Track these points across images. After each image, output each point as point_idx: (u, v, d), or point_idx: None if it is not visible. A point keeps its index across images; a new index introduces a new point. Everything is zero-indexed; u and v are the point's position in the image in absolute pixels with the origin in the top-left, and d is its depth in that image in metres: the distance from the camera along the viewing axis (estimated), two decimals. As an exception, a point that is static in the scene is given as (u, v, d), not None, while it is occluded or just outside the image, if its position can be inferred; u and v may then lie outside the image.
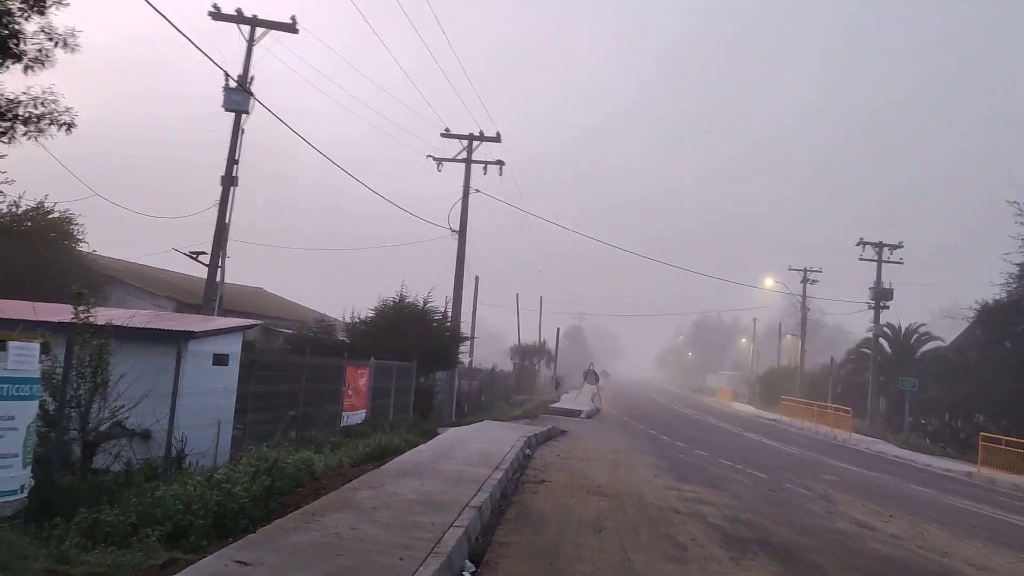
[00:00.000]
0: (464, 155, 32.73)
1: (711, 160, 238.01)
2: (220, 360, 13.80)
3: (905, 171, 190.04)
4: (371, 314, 27.88)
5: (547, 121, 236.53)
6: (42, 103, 10.83)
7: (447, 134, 32.69)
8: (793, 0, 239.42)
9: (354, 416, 21.04)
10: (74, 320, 9.93)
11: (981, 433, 26.73)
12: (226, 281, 21.28)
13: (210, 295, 19.93)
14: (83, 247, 25.76)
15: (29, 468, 7.04)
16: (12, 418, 6.57)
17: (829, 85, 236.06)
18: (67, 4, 10.66)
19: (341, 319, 30.87)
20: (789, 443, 29.94)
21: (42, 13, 10.62)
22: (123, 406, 10.57)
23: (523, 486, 12.44)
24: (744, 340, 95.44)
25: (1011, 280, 34.92)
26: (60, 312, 10.40)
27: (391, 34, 27.90)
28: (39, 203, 24.75)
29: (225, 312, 20.38)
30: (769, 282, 60.76)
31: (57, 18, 10.53)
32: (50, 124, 11.02)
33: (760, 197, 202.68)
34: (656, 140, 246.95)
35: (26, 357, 6.65)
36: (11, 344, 6.54)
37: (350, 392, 20.79)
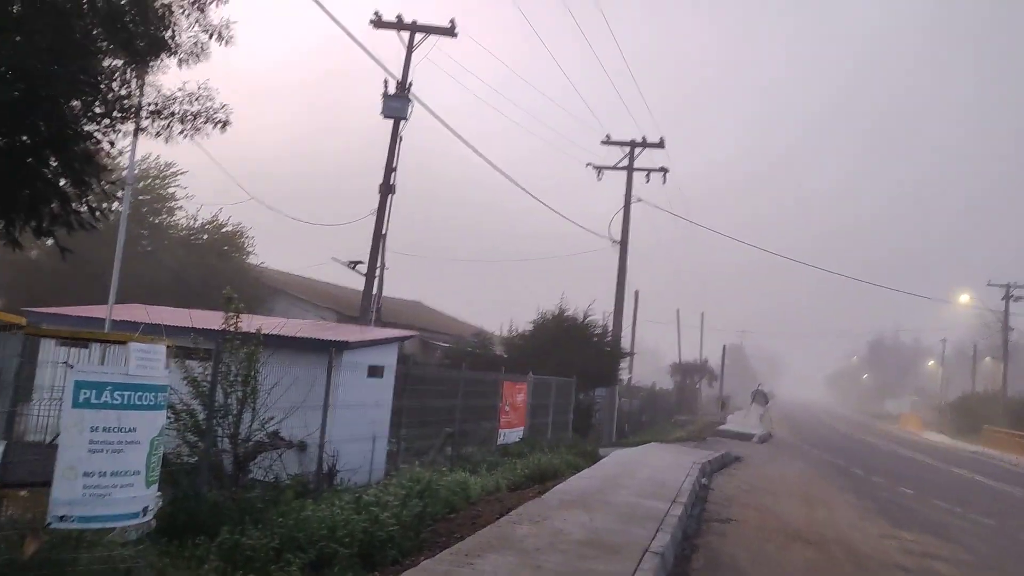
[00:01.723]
0: (626, 163, 31.27)
1: (898, 176, 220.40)
2: (375, 372, 13.08)
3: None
4: (529, 328, 26.90)
5: (722, 139, 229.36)
6: (197, 99, 10.23)
7: (608, 141, 31.34)
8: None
9: (511, 434, 19.97)
10: (224, 327, 9.40)
11: None
12: (384, 294, 20.90)
13: (367, 305, 19.53)
14: (252, 259, 26.51)
15: (155, 487, 6.29)
16: (133, 430, 5.80)
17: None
18: (227, 1, 10.06)
19: (499, 333, 30.13)
20: (1008, 482, 26.00)
21: (202, 10, 10.08)
22: (273, 417, 9.93)
23: (706, 525, 10.74)
24: (931, 363, 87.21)
25: None
26: (218, 320, 9.93)
27: (554, 38, 27.01)
28: (214, 216, 25.70)
29: (383, 324, 19.95)
30: (965, 298, 54.85)
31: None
32: (206, 122, 10.43)
33: (948, 211, 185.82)
34: (840, 159, 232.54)
35: (150, 360, 5.88)
36: (132, 345, 5.78)
37: (507, 408, 19.75)
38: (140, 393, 5.76)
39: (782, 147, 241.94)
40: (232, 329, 9.36)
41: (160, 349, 6.13)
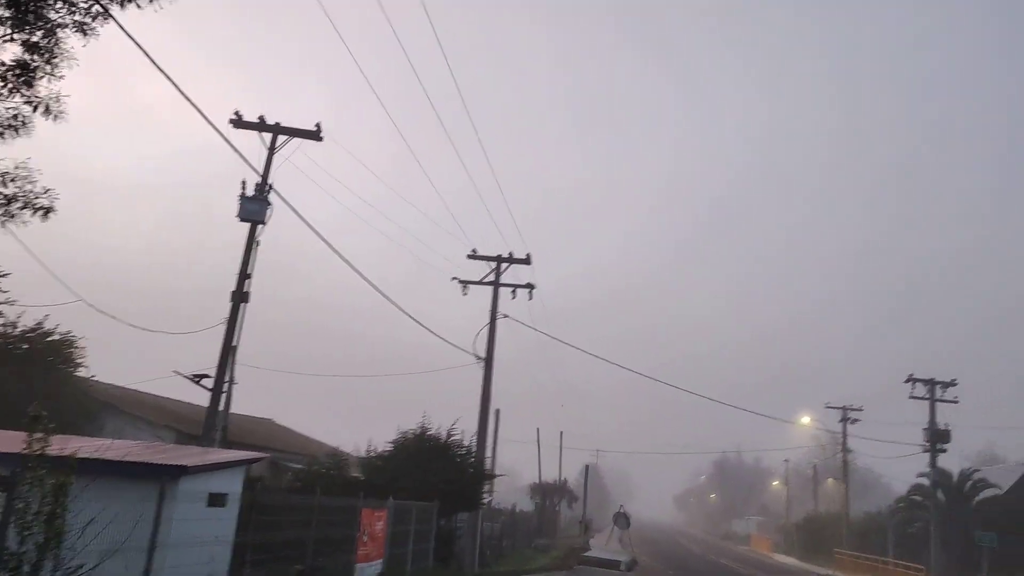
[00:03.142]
0: (492, 278, 30.96)
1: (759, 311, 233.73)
2: (217, 500, 11.32)
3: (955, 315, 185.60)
4: (389, 448, 25.24)
5: (593, 257, 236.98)
6: (13, 180, 8.71)
7: (474, 255, 31.00)
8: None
9: (369, 569, 18.13)
10: (25, 451, 7.63)
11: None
12: (232, 411, 18.92)
13: (211, 424, 17.51)
14: (83, 371, 23.66)
15: None
16: None
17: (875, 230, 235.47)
18: (61, 77, 8.83)
19: (356, 453, 28.19)
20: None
21: (30, 84, 8.78)
22: (83, 565, 8.07)
23: None
24: (776, 483, 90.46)
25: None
26: (20, 442, 8.09)
27: (424, 151, 26.76)
28: (38, 323, 22.84)
29: (229, 444, 17.90)
30: (806, 419, 57.51)
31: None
32: (23, 207, 8.85)
33: (801, 344, 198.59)
34: (706, 289, 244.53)
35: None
36: None
37: (365, 539, 17.97)
38: None
39: (655, 267, 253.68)
40: (36, 454, 7.60)
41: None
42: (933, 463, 40.10)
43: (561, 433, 65.71)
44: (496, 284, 30.78)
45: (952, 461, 44.63)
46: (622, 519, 45.86)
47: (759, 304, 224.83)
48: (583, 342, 41.38)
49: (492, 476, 30.81)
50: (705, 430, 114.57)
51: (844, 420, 51.57)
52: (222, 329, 17.83)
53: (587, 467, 57.65)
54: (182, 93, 13.40)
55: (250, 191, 18.39)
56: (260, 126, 19.33)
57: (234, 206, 18.35)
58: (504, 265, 30.86)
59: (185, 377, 17.89)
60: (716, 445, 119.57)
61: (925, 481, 41.96)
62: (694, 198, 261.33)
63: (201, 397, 18.06)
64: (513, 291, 30.98)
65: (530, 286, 31.02)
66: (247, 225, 18.49)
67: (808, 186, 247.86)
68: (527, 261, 30.86)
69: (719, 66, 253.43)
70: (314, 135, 19.47)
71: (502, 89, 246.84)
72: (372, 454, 25.45)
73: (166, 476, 9.98)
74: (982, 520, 37.35)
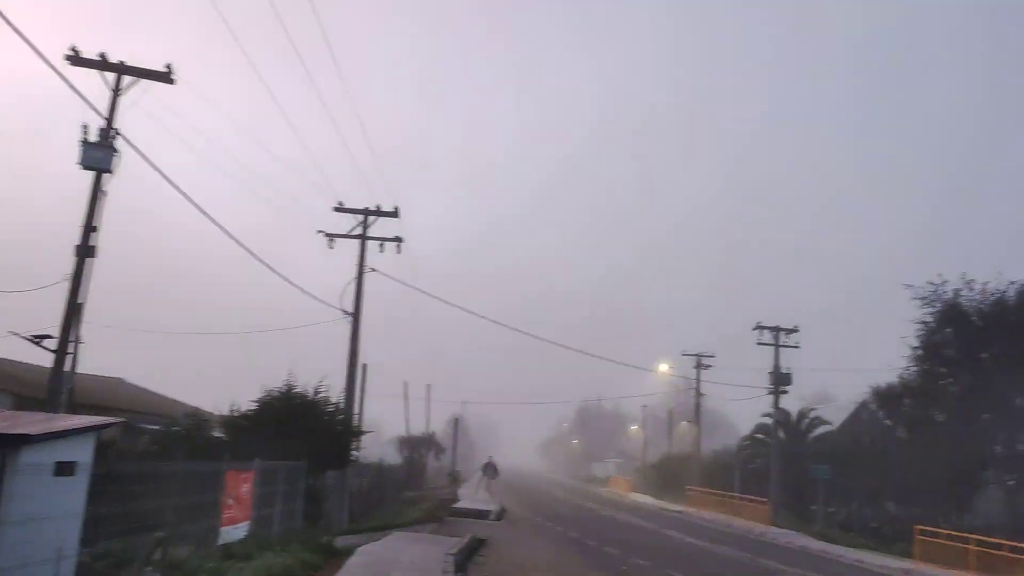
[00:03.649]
0: (359, 231, 30.21)
1: (614, 254, 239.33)
2: (64, 470, 10.50)
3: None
4: (254, 407, 24.33)
5: (450, 210, 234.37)
6: None
7: (341, 208, 30.09)
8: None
9: (235, 531, 17.50)
10: None
11: (917, 526, 25.72)
12: (79, 371, 17.62)
13: (56, 387, 16.25)
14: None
15: None
16: None
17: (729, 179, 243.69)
18: None
19: (217, 413, 27.04)
20: (715, 542, 28.06)
21: None
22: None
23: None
24: (634, 427, 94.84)
25: (911, 363, 35.15)
26: None
27: (290, 101, 25.50)
28: None
29: (76, 408, 16.68)
30: (664, 367, 60.27)
31: None
32: None
33: (653, 291, 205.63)
34: (560, 234, 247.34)
35: None
36: None
37: (230, 502, 17.32)
38: None
39: (514, 214, 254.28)
40: None
41: None
42: (776, 404, 43.07)
43: (429, 386, 65.94)
44: (363, 237, 30.04)
45: (792, 402, 48.17)
46: (490, 469, 46.83)
47: (623, 253, 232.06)
48: (453, 295, 41.28)
49: (361, 432, 30.47)
50: (568, 378, 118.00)
51: (698, 367, 54.45)
52: (65, 287, 16.47)
53: (456, 419, 58.16)
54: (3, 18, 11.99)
55: (93, 137, 16.91)
56: (102, 64, 17.66)
57: (75, 153, 16.83)
58: (372, 219, 30.16)
59: (24, 338, 16.46)
60: (579, 393, 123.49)
61: (768, 420, 45.10)
62: (560, 141, 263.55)
63: (44, 359, 16.72)
64: (381, 245, 30.38)
65: (398, 239, 30.49)
66: (91, 175, 17.03)
67: (662, 137, 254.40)
68: (395, 214, 30.25)
69: (575, 21, 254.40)
70: (164, 77, 18.01)
71: (368, 42, 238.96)
72: (236, 414, 24.50)
73: (6, 447, 9.14)
74: (817, 455, 40.58)
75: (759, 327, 43.07)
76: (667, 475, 60.23)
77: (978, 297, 33.45)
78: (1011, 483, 32.07)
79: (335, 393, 26.73)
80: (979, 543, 22.39)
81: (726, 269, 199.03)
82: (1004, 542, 21.87)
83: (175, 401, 32.75)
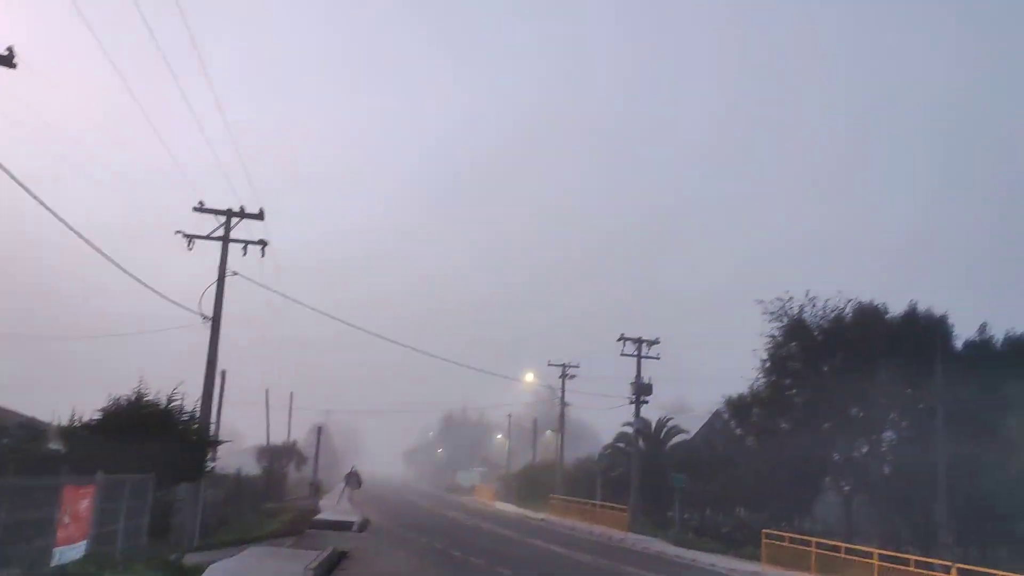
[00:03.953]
0: (221, 232, 28.85)
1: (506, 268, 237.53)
2: None
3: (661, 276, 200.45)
4: (98, 416, 22.66)
5: (315, 208, 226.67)
6: None
7: (202, 208, 28.61)
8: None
9: (71, 551, 16.20)
10: None
11: (764, 530, 27.15)
12: None
13: None
14: None
15: None
16: None
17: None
18: None
19: (56, 423, 24.99)
20: (576, 548, 28.57)
21: None
22: None
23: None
24: (499, 436, 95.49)
25: (760, 375, 37.17)
26: None
27: (150, 99, 24.01)
28: None
29: None
30: (530, 376, 61.06)
31: None
32: None
33: (528, 303, 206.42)
34: (448, 248, 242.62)
35: None
36: None
37: (67, 519, 16.03)
38: None
39: (407, 225, 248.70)
40: None
41: None
42: (637, 414, 44.49)
43: (292, 394, 63.88)
44: (226, 239, 28.68)
45: (653, 412, 49.93)
46: (353, 479, 45.84)
47: (500, 266, 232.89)
48: (326, 302, 40.03)
49: (217, 442, 29.02)
50: (435, 387, 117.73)
51: (563, 376, 55.55)
52: None
53: (319, 428, 56.61)
54: None
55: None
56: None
57: None
58: (235, 220, 28.88)
59: None
60: (445, 402, 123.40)
61: (629, 430, 46.53)
62: (457, 160, 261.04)
63: None
64: (244, 248, 29.15)
65: (263, 242, 29.35)
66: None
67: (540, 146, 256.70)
68: (260, 216, 29.05)
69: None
70: (6, 60, 16.56)
71: (254, 44, 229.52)
72: (78, 424, 22.73)
73: None
74: (675, 463, 42.21)
75: (623, 338, 44.41)
76: (531, 484, 60.94)
77: (820, 313, 35.94)
78: (847, 488, 34.49)
79: (191, 401, 25.34)
80: (820, 545, 23.94)
81: (600, 282, 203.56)
82: (841, 544, 23.52)
83: (7, 410, 30.07)
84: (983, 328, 33.96)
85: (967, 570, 19.26)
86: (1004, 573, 18.02)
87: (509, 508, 56.02)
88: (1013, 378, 27.78)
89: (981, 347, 33.29)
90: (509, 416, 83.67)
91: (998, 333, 33.84)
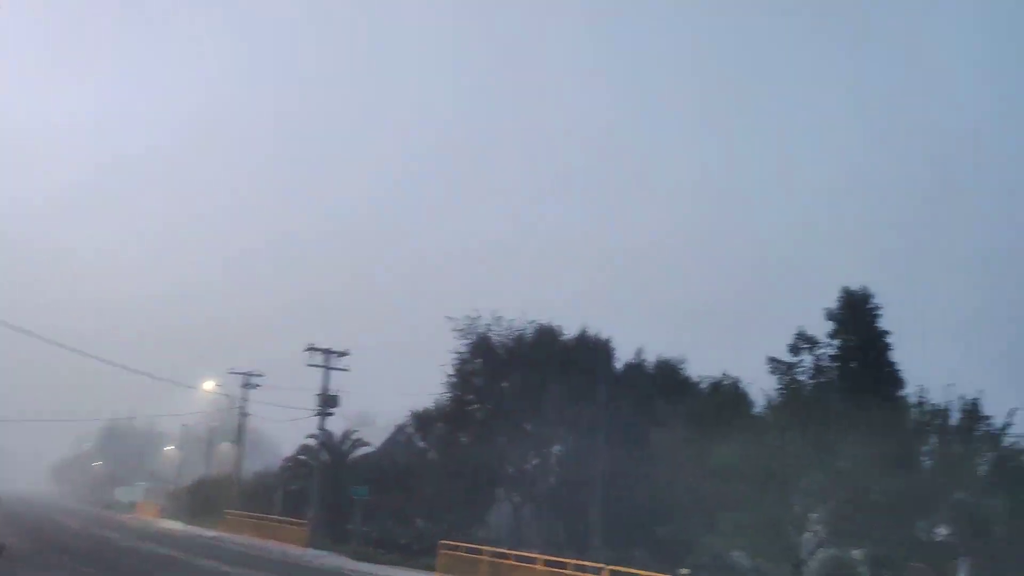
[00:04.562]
0: None
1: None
2: None
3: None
4: None
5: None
6: None
7: None
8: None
9: None
10: None
11: (442, 540, 27.92)
12: None
13: None
14: None
15: None
16: None
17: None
18: None
19: None
20: (248, 567, 27.17)
21: None
22: None
23: None
24: (170, 448, 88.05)
25: (446, 390, 38.50)
26: None
27: None
28: None
29: None
30: (209, 384, 57.21)
31: None
32: None
33: (213, 307, 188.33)
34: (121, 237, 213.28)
35: None
36: None
37: None
38: None
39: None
40: None
41: None
42: (322, 425, 43.66)
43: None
44: None
45: (338, 424, 49.32)
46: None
47: (178, 264, 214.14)
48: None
49: None
50: (94, 394, 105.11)
51: (245, 385, 52.90)
52: None
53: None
54: None
55: None
56: None
57: None
58: None
59: None
60: (106, 410, 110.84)
61: (312, 442, 45.49)
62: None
63: None
64: None
65: None
66: None
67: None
68: None
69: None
70: None
71: None
72: None
73: None
74: (358, 475, 42.04)
75: (311, 348, 43.39)
76: (204, 498, 56.98)
77: (505, 332, 38.21)
78: (517, 499, 36.91)
79: None
80: (492, 554, 25.29)
81: (292, 291, 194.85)
82: (511, 552, 25.10)
83: None
84: (639, 352, 38.20)
85: (616, 570, 21.55)
86: (644, 572, 20.52)
87: (177, 526, 51.94)
88: (660, 397, 31.69)
89: (636, 368, 37.44)
90: (183, 426, 77.60)
91: (651, 356, 38.28)
